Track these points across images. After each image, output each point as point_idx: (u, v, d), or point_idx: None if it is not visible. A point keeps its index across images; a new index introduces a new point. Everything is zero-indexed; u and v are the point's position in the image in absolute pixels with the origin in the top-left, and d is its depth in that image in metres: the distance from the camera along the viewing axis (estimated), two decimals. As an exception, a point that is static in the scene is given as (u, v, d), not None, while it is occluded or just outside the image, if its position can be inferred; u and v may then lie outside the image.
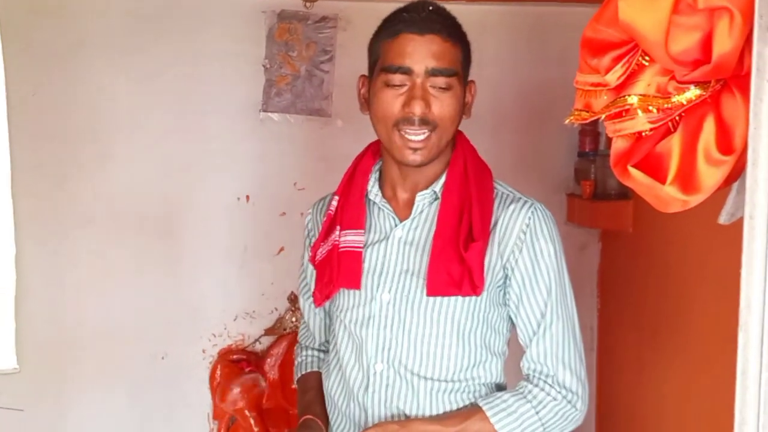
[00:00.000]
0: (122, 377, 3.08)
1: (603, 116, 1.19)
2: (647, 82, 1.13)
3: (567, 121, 1.27)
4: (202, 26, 3.03)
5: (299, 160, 3.12)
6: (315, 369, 1.94)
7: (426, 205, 1.69)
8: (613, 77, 1.15)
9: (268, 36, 3.05)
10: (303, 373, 1.95)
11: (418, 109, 1.59)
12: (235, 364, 3.12)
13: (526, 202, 1.67)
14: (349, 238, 1.71)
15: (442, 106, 1.61)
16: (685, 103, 1.10)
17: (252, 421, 3.05)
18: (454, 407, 1.67)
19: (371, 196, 1.74)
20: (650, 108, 1.12)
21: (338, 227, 1.72)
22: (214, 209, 3.11)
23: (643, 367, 2.72)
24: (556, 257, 1.65)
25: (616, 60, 1.15)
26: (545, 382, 1.63)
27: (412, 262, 1.66)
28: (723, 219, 1.18)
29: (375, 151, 1.79)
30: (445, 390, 1.66)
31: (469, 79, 1.73)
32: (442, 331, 1.64)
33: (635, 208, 2.75)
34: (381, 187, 1.75)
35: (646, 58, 1.12)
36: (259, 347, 3.17)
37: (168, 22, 3.01)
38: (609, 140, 3.07)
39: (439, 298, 1.63)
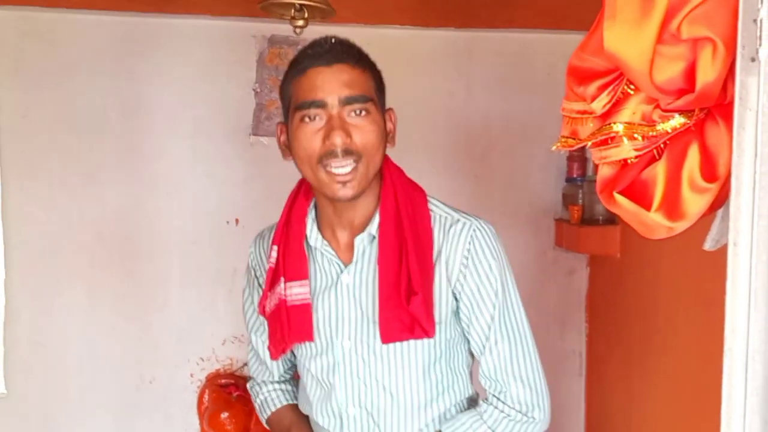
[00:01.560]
0: (109, 401, 3.07)
1: (589, 143, 1.21)
2: (632, 110, 1.14)
3: (554, 148, 1.28)
4: (192, 50, 3.04)
5: (288, 184, 3.10)
6: (284, 403, 1.90)
7: (366, 245, 1.66)
8: (599, 105, 1.17)
9: (258, 60, 3.07)
10: (273, 410, 1.91)
11: (338, 139, 1.54)
12: (223, 388, 3.11)
13: (465, 223, 1.63)
14: (295, 290, 1.67)
15: (363, 134, 1.57)
16: (669, 131, 1.11)
17: (239, 446, 3.03)
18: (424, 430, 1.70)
19: (311, 242, 1.70)
20: (635, 136, 1.14)
21: (282, 279, 1.68)
22: (203, 232, 3.11)
23: (632, 392, 2.73)
24: (499, 276, 1.63)
25: (602, 88, 1.16)
26: (498, 399, 1.65)
27: (365, 306, 1.65)
28: (708, 245, 1.20)
29: (307, 189, 1.74)
30: (415, 420, 1.68)
31: (389, 107, 1.70)
32: (408, 368, 1.65)
33: (623, 233, 2.76)
34: (319, 227, 1.71)
35: (631, 86, 1.13)
36: (247, 371, 3.16)
37: (158, 45, 3.02)
38: (596, 166, 3.10)
39: (397, 343, 1.63)
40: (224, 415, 3.03)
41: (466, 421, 1.66)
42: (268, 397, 1.91)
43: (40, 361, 3.00)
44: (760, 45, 0.96)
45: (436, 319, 1.61)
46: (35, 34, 2.94)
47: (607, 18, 1.08)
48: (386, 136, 1.65)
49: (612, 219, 2.86)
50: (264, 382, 1.93)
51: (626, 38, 1.06)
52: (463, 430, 1.65)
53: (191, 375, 3.13)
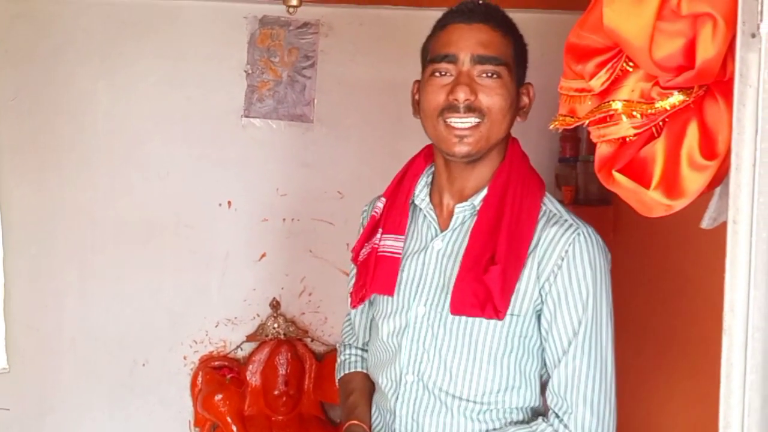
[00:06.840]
0: (104, 383, 3.07)
1: (587, 121, 1.20)
2: (631, 87, 1.13)
3: (551, 127, 1.27)
4: (183, 31, 3.02)
5: (281, 166, 3.12)
6: (358, 369, 1.88)
7: (467, 217, 1.63)
8: (598, 83, 1.16)
9: (249, 41, 3.05)
10: (345, 372, 1.89)
11: (462, 95, 1.53)
12: (217, 370, 3.11)
13: (571, 225, 1.57)
14: (388, 243, 1.67)
15: (490, 95, 1.55)
16: (668, 108, 1.11)
17: (234, 428, 3.03)
18: (483, 427, 1.60)
19: (417, 201, 1.69)
20: (634, 113, 1.13)
21: (380, 230, 1.69)
22: (195, 215, 3.09)
23: (627, 371, 2.73)
24: (593, 288, 1.56)
25: (600, 66, 1.15)
26: (560, 421, 1.55)
27: (447, 276, 1.60)
28: (705, 223, 1.19)
29: (428, 154, 1.72)
30: (473, 410, 1.60)
31: (527, 81, 1.69)
32: (473, 351, 1.58)
33: (616, 213, 2.76)
34: (431, 192, 1.70)
35: (630, 63, 1.13)
36: (240, 354, 3.16)
37: (149, 27, 3.00)
38: (589, 146, 3.09)
39: (470, 318, 1.57)
40: (218, 397, 3.03)
41: None
42: (348, 359, 1.91)
43: (35, 343, 2.99)
44: (761, 21, 0.96)
45: (515, 310, 1.55)
46: (25, 16, 2.91)
47: (606, -6, 1.08)
48: (516, 108, 1.63)
49: (605, 199, 2.85)
50: (349, 344, 1.93)
51: (626, 14, 1.05)
52: None
53: (185, 357, 3.13)
